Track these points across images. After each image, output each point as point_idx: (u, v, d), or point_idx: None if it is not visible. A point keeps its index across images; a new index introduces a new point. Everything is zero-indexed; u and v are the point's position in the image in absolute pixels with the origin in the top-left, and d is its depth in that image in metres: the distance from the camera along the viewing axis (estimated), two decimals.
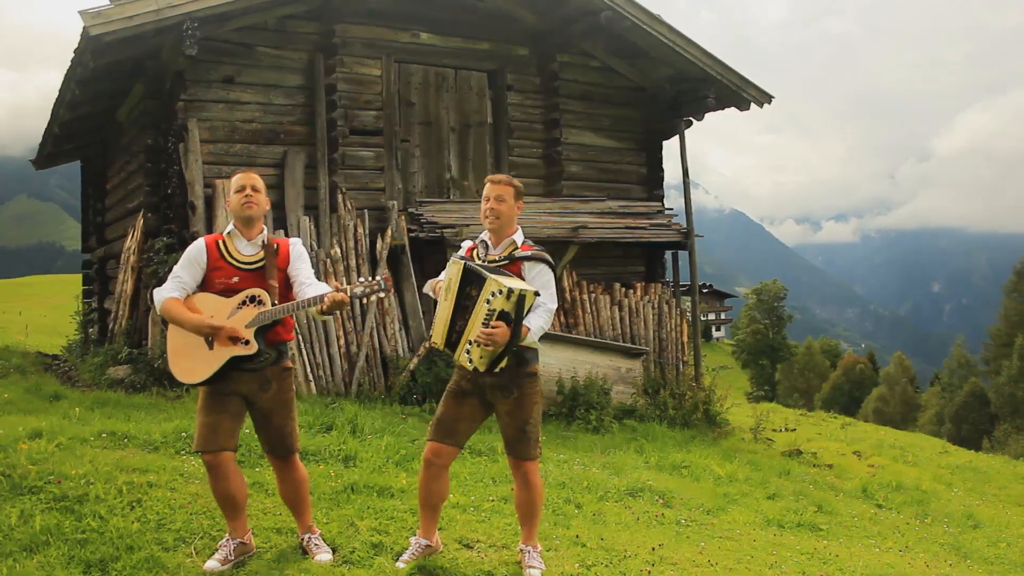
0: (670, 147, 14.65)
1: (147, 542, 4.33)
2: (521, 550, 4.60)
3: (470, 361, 4.26)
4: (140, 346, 10.56)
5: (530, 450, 4.46)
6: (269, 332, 4.28)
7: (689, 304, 14.37)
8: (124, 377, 9.76)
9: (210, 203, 10.26)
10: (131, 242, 11.63)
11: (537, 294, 4.33)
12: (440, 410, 4.53)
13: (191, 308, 4.25)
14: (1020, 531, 8.81)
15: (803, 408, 30.75)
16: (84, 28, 9.19)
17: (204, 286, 4.33)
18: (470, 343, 4.26)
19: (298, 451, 4.50)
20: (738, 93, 13.42)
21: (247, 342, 4.18)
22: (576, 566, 4.68)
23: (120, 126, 13.66)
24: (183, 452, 6.04)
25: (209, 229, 10.17)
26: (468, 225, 11.48)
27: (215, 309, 4.23)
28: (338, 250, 10.77)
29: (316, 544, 4.50)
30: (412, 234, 11.57)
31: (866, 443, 14.31)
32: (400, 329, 11.18)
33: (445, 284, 4.43)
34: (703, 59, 12.92)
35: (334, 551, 4.51)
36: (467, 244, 4.68)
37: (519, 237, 4.56)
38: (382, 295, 4.06)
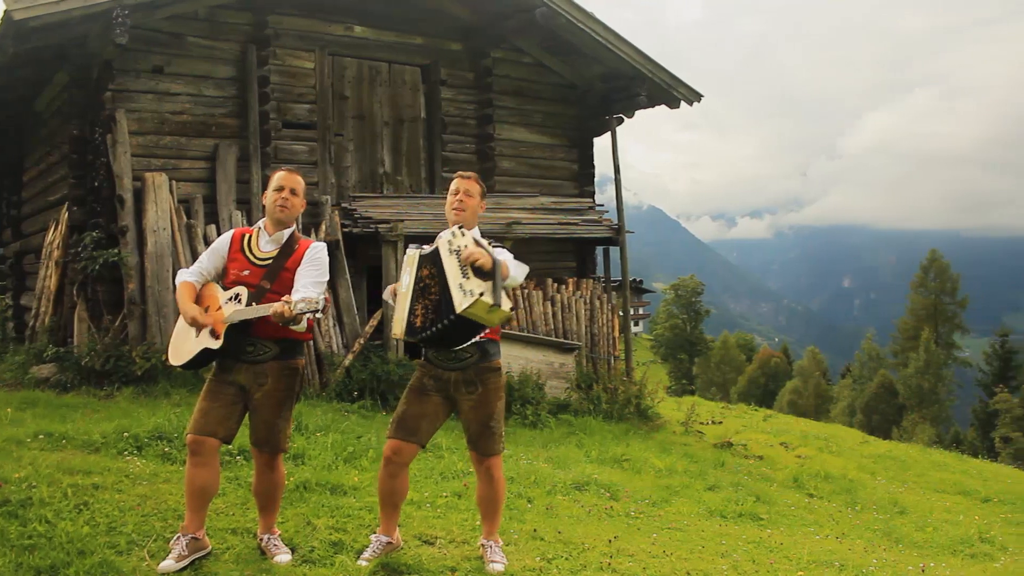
0: (598, 143, 14.85)
1: (99, 546, 4.19)
2: (482, 545, 4.60)
3: (471, 295, 4.03)
4: (65, 344, 10.19)
5: (494, 445, 4.47)
6: (266, 328, 4.18)
7: (620, 299, 14.53)
8: (49, 376, 9.40)
9: (139, 196, 9.97)
10: (54, 236, 11.22)
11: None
12: (401, 407, 4.48)
13: (203, 295, 4.34)
14: (943, 516, 9.16)
15: (721, 401, 31.40)
16: (6, 12, 8.82)
17: (223, 275, 4.40)
18: (461, 282, 4.07)
19: (284, 451, 4.43)
20: (669, 91, 13.61)
21: (217, 337, 4.14)
22: (537, 559, 4.70)
23: (38, 116, 13.15)
24: (126, 453, 5.87)
25: (139, 223, 9.90)
26: (403, 220, 11.42)
27: (216, 299, 4.28)
28: None
29: (275, 545, 4.43)
30: (346, 229, 11.44)
31: (791, 435, 14.71)
32: (334, 325, 11.04)
33: (403, 277, 4.38)
34: (636, 57, 13.06)
35: (293, 551, 4.45)
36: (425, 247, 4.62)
37: (475, 233, 4.57)
38: (319, 315, 4.01)
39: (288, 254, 4.35)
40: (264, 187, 10.68)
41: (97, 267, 9.53)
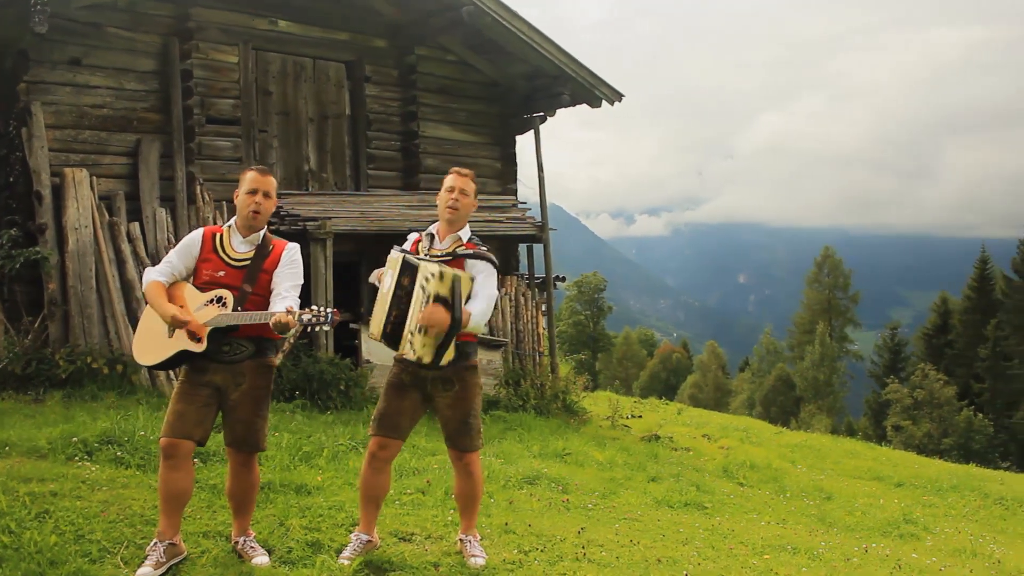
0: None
1: (70, 555, 4.04)
2: (461, 540, 4.62)
3: (413, 351, 4.16)
4: None
5: (473, 441, 4.50)
6: (245, 328, 4.14)
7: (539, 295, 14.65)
8: None
9: (58, 193, 9.59)
10: None
11: (473, 280, 4.37)
12: (382, 404, 4.46)
13: (173, 295, 4.20)
14: (866, 501, 9.57)
15: (626, 396, 31.86)
16: None
17: (194, 275, 4.28)
18: (412, 332, 4.17)
19: (263, 450, 4.35)
20: (591, 91, 13.76)
21: (200, 340, 4.05)
22: (515, 552, 4.75)
23: None
24: (76, 458, 5.66)
25: (58, 220, 9.52)
26: (330, 218, 11.28)
27: (189, 299, 4.17)
28: None
29: (252, 547, 4.35)
30: (272, 227, 11.13)
31: (710, 427, 15.09)
32: None
33: (385, 275, 4.36)
34: (559, 57, 13.17)
35: (270, 552, 4.38)
36: (413, 236, 4.65)
37: (465, 234, 4.57)
38: (326, 328, 3.97)
39: (264, 256, 4.29)
40: (189, 183, 10.59)
41: (17, 267, 9.13)
